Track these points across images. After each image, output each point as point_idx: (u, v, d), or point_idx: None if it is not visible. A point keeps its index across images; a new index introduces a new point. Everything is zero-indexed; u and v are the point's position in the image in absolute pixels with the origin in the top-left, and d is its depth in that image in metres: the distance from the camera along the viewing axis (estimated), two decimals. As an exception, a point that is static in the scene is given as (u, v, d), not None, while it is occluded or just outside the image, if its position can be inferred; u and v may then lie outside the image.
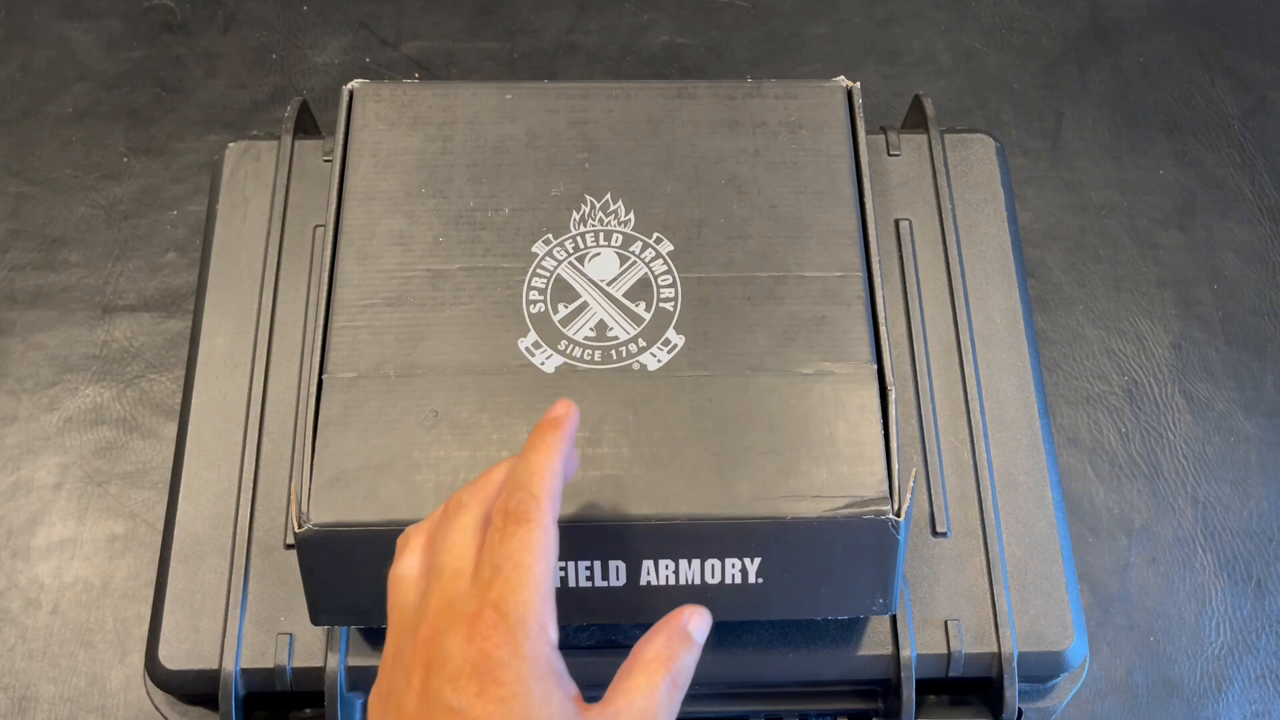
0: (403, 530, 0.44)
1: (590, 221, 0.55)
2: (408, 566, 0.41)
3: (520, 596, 0.37)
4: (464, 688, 0.35)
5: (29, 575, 0.68)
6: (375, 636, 0.52)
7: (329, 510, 0.48)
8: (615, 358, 0.52)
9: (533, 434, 0.41)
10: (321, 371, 0.51)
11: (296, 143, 0.64)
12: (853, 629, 0.53)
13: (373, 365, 0.52)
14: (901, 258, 0.61)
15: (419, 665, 0.36)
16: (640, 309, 0.53)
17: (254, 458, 0.56)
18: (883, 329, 0.53)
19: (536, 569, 0.37)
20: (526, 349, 0.52)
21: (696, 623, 0.41)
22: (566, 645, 0.41)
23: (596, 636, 0.53)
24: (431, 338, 0.52)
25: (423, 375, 0.51)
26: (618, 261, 0.54)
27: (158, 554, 0.55)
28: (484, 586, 0.37)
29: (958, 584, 0.54)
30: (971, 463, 0.56)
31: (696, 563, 0.48)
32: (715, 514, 0.48)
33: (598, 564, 0.48)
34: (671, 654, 0.39)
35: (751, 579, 0.49)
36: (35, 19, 0.87)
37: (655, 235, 0.55)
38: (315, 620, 0.50)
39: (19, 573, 0.68)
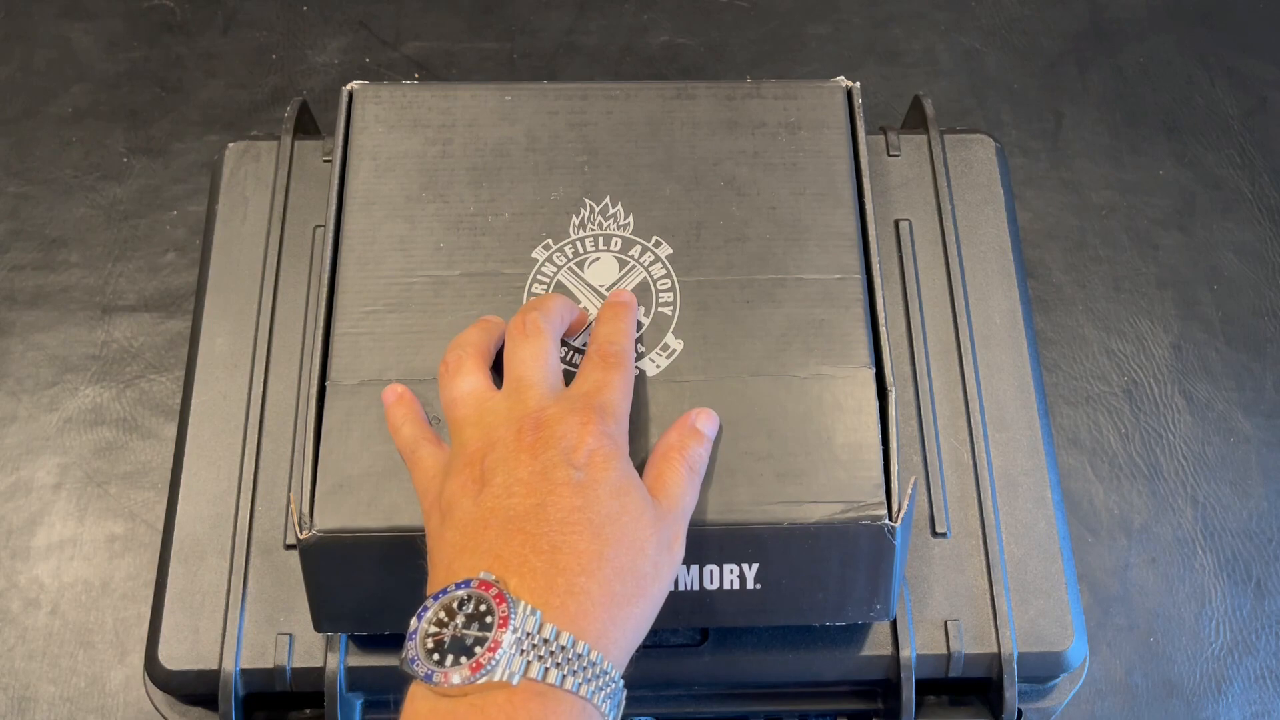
0: (407, 536, 0.47)
1: (590, 225, 0.55)
2: (472, 384, 0.47)
3: (619, 409, 0.46)
4: (578, 461, 0.43)
5: (29, 575, 0.68)
6: (374, 638, 0.52)
7: (333, 516, 0.48)
8: (615, 363, 0.52)
9: (606, 309, 0.51)
10: (324, 378, 0.52)
11: (296, 143, 0.64)
12: (852, 630, 0.53)
13: (375, 371, 0.52)
14: (901, 258, 0.61)
15: (526, 448, 0.43)
16: (639, 314, 0.53)
17: (254, 458, 0.56)
18: (882, 330, 0.53)
19: (626, 394, 0.47)
20: (527, 354, 0.52)
21: (704, 420, 0.49)
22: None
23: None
24: (433, 344, 0.52)
25: (425, 382, 0.51)
26: (617, 266, 0.54)
27: (157, 554, 0.55)
28: (591, 394, 0.46)
29: (957, 584, 0.54)
30: (971, 463, 0.56)
31: (695, 568, 0.48)
32: (713, 519, 0.48)
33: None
34: (685, 445, 0.47)
35: (750, 585, 0.49)
36: (35, 19, 0.87)
37: (654, 239, 0.55)
38: (318, 627, 0.50)
39: (19, 573, 0.68)
